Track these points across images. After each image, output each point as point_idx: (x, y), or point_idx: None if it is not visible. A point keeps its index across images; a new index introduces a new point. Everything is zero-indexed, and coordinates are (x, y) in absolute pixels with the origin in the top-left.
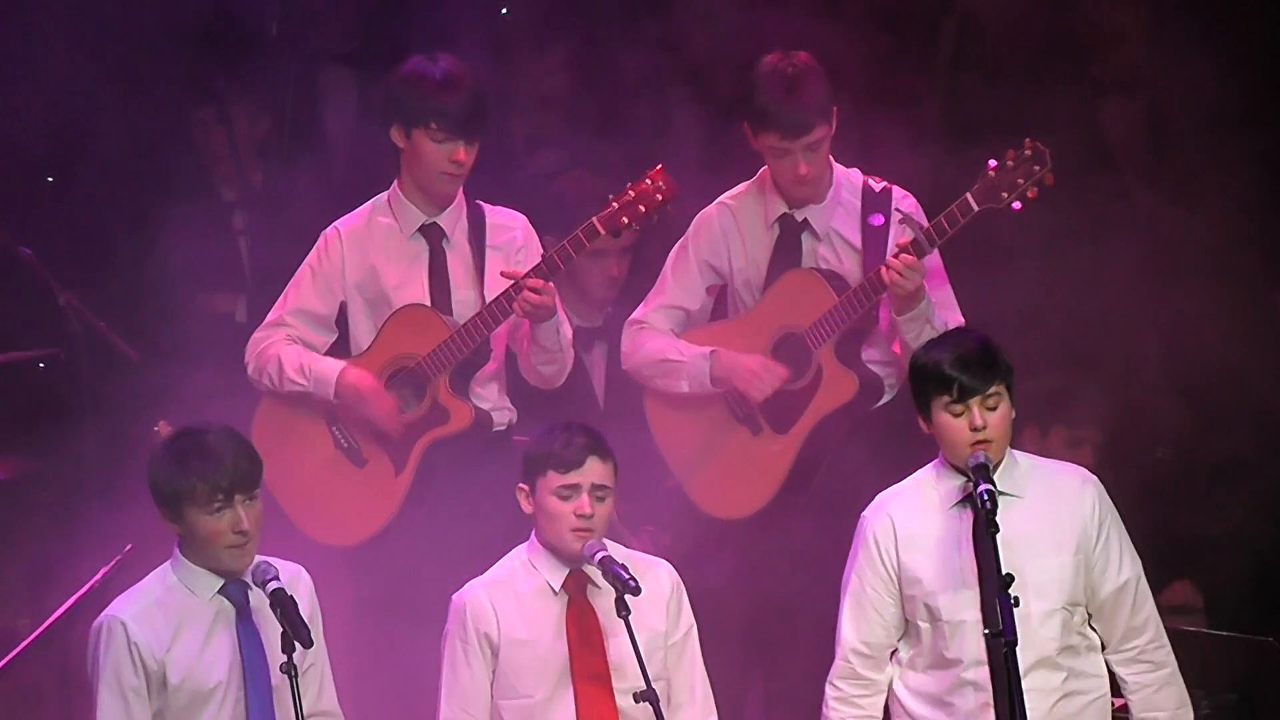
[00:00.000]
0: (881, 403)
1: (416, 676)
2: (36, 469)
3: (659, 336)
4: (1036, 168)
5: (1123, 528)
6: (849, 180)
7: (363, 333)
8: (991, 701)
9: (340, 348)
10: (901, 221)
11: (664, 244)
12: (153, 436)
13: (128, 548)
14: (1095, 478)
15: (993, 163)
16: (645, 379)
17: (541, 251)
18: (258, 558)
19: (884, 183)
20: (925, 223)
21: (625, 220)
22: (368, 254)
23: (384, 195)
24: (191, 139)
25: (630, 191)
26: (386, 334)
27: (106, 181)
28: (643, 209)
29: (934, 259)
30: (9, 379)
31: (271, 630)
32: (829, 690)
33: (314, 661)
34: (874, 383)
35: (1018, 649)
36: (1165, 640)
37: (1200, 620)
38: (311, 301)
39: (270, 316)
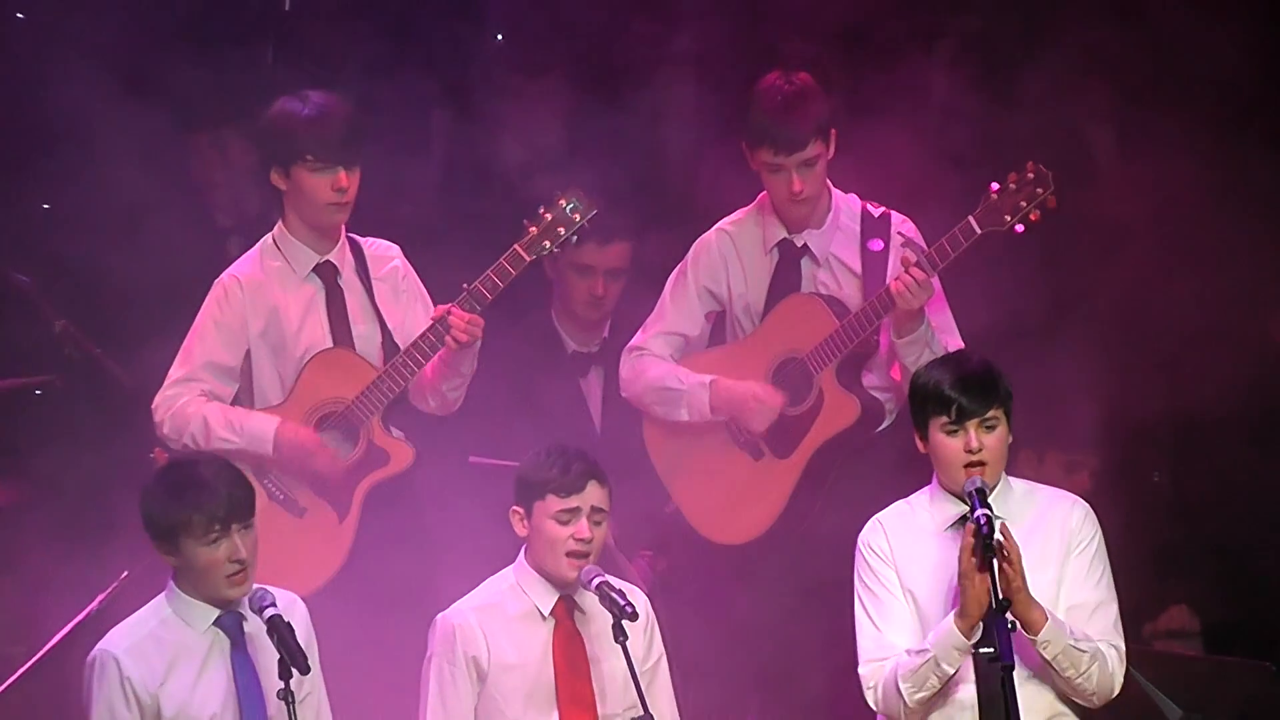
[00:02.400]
0: (882, 428)
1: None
2: (32, 496)
3: (659, 364)
4: (1039, 190)
5: (1107, 560)
6: (848, 205)
7: (267, 380)
8: None
9: (242, 398)
10: (903, 245)
11: (663, 270)
12: (149, 464)
13: (124, 574)
14: (1087, 504)
15: (995, 185)
16: (645, 406)
17: (418, 278)
18: (254, 585)
19: (883, 208)
20: (925, 246)
21: (547, 244)
22: (268, 299)
23: (268, 238)
24: (187, 166)
25: (546, 215)
26: (306, 381)
27: (102, 209)
28: (561, 230)
29: (934, 284)
30: (5, 406)
31: (268, 659)
32: (903, 685)
33: (311, 690)
34: (875, 407)
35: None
36: (1117, 654)
37: (1197, 645)
38: (219, 354)
39: (175, 373)
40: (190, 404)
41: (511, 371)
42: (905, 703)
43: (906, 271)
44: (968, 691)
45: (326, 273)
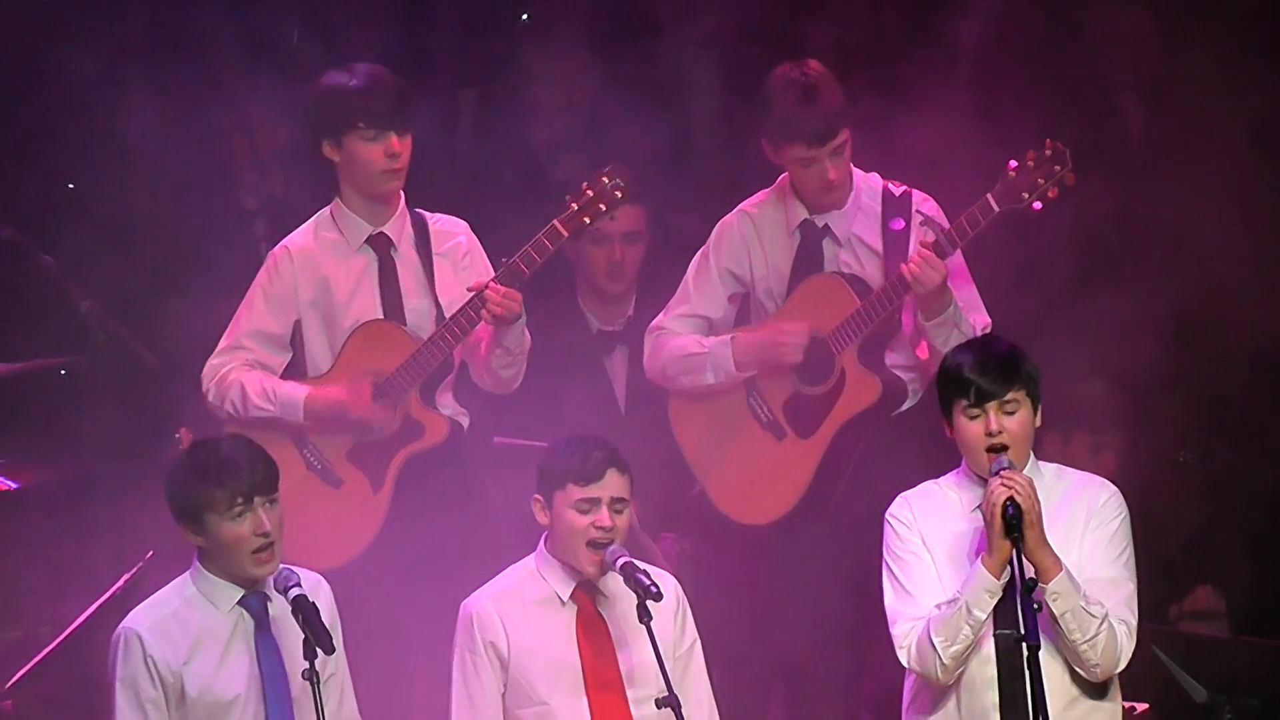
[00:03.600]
0: (905, 407)
1: (412, 692)
2: (58, 476)
3: (679, 336)
4: (1057, 167)
5: (1130, 543)
6: (869, 185)
7: (318, 350)
8: (998, 703)
9: (294, 367)
10: (923, 224)
11: (685, 252)
12: (174, 444)
13: (149, 554)
14: (1116, 488)
15: (1013, 163)
16: (670, 380)
17: (485, 256)
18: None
19: (904, 186)
20: (946, 225)
21: (586, 220)
22: (318, 269)
23: (325, 211)
24: (213, 147)
25: (588, 191)
26: (349, 352)
27: (128, 189)
28: (602, 207)
29: (957, 260)
30: (31, 386)
31: (292, 640)
32: (936, 639)
33: (334, 671)
34: (897, 387)
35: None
36: (1126, 629)
37: (1223, 625)
38: (266, 322)
39: (224, 342)
40: (232, 372)
41: (536, 351)
42: (940, 658)
43: (917, 253)
44: (989, 672)
45: (380, 244)
